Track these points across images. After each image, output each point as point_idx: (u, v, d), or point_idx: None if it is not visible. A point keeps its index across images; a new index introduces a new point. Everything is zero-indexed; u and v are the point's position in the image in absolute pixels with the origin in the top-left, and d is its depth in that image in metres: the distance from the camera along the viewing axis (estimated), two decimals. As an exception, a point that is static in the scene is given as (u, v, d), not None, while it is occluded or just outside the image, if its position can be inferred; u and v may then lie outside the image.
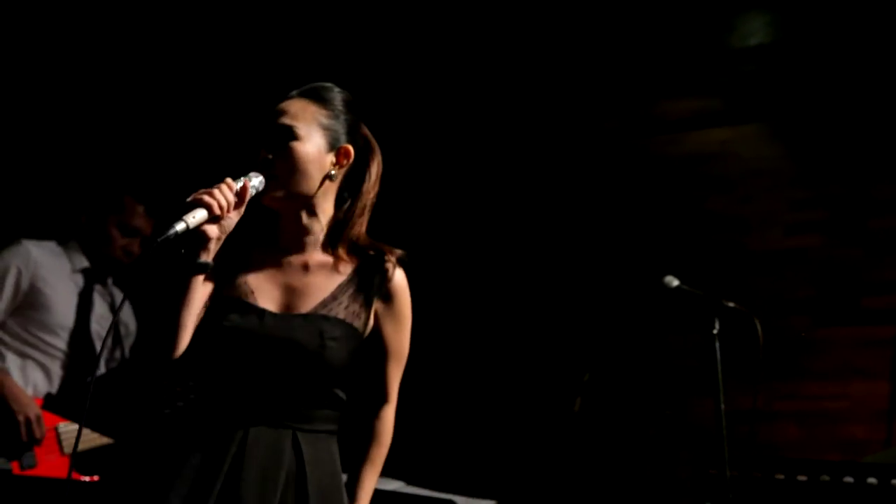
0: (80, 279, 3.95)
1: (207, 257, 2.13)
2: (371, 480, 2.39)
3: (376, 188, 2.41)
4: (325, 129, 2.31)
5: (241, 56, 5.17)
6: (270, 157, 2.25)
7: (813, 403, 4.70)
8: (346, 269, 2.33)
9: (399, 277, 2.38)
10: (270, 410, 2.20)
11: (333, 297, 2.29)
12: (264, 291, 2.27)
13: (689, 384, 4.82)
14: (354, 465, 2.38)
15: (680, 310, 4.12)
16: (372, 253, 2.36)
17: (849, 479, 3.38)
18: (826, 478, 3.41)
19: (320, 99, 2.34)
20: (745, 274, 4.97)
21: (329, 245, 2.34)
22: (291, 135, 2.27)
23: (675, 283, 3.70)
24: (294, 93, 2.35)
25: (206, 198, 2.09)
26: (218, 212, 2.10)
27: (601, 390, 4.83)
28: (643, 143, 5.39)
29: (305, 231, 2.32)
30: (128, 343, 4.07)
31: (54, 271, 3.88)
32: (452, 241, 5.57)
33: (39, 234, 4.01)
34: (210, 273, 2.18)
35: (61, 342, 3.84)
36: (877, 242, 4.77)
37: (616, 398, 5.03)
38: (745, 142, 5.20)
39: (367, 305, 2.32)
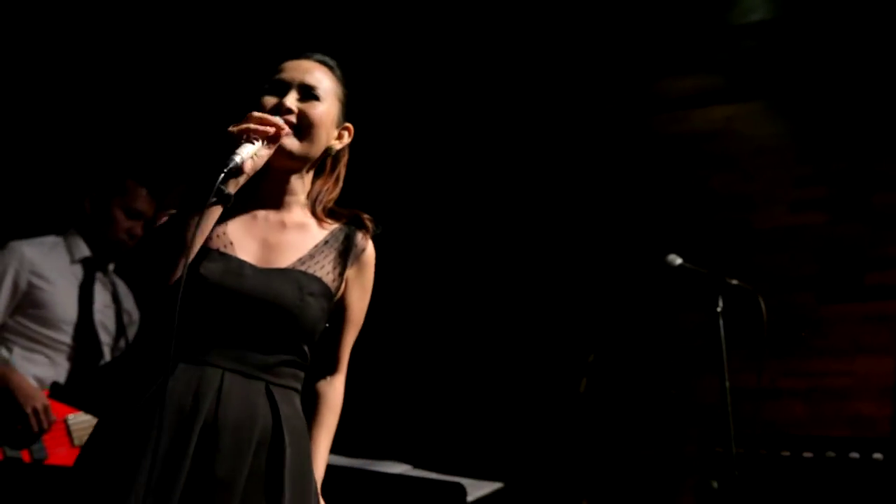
0: (79, 270, 3.94)
1: (234, 190, 2.12)
2: (326, 446, 2.39)
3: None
4: (339, 102, 2.36)
5: (238, 42, 5.17)
6: (292, 108, 2.25)
7: (818, 380, 4.70)
8: (323, 231, 2.34)
9: (370, 248, 2.41)
10: (245, 361, 2.17)
11: (311, 255, 2.30)
12: (243, 244, 2.26)
13: (695, 363, 4.82)
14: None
15: (684, 288, 4.12)
16: (346, 219, 2.39)
17: (854, 455, 3.38)
18: (832, 454, 3.42)
19: (335, 73, 2.37)
20: (749, 251, 4.96)
21: (307, 207, 2.36)
22: (315, 94, 2.29)
23: (679, 261, 3.69)
24: (314, 57, 2.37)
25: (254, 132, 2.11)
26: (261, 144, 2.13)
27: (606, 371, 4.84)
28: (646, 122, 5.38)
29: (289, 191, 2.33)
30: (131, 331, 4.07)
31: (51, 267, 3.87)
32: (459, 222, 5.58)
33: (40, 221, 4.01)
34: None
35: (65, 336, 3.84)
36: (880, 218, 4.76)
37: (621, 378, 5.04)
38: (748, 119, 5.19)
39: (342, 269, 2.34)
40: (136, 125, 5.29)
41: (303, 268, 2.27)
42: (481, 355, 5.37)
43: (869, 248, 4.77)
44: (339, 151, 2.41)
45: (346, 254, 2.35)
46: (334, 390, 2.43)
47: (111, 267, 4.07)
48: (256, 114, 2.16)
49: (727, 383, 3.45)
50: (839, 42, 4.93)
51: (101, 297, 3.99)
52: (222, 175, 2.03)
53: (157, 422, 2.07)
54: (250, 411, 2.15)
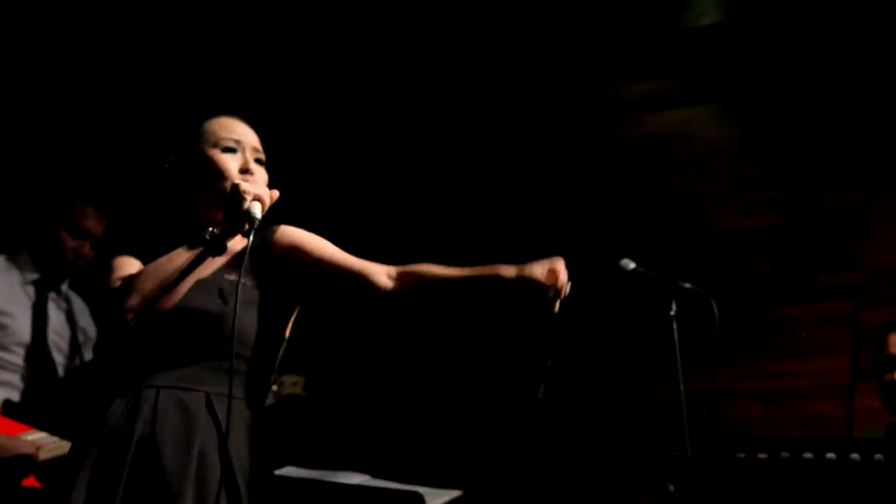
0: (31, 291, 3.90)
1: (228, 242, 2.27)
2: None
3: None
4: None
5: (192, 58, 5.16)
6: (254, 173, 2.39)
7: (775, 381, 4.73)
8: (235, 246, 2.37)
9: (281, 227, 2.47)
10: (182, 377, 2.25)
11: (227, 264, 2.36)
12: None
13: (652, 366, 4.83)
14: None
15: (638, 292, 4.13)
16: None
17: (808, 455, 3.39)
18: (786, 454, 3.43)
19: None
20: (704, 254, 4.99)
21: None
22: (262, 160, 2.46)
23: (632, 265, 3.69)
24: (243, 119, 2.50)
25: (265, 199, 2.25)
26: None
27: (564, 376, 4.84)
28: (600, 126, 5.40)
29: None
30: (87, 349, 4.03)
31: (4, 288, 3.83)
32: (414, 227, 5.56)
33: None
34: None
35: (18, 358, 3.79)
36: (834, 219, 4.80)
37: (579, 383, 5.04)
38: (702, 122, 5.22)
39: (259, 266, 2.38)
40: (84, 145, 5.24)
41: (223, 275, 2.34)
42: (438, 363, 5.36)
43: (823, 248, 4.81)
44: None
45: (257, 250, 2.36)
46: (395, 269, 2.48)
47: (65, 286, 4.02)
48: (260, 182, 2.35)
49: (682, 387, 3.46)
50: (791, 44, 4.98)
51: (55, 317, 3.94)
52: (252, 234, 2.20)
53: (95, 450, 2.18)
54: (189, 422, 2.20)
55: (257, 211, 2.21)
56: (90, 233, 3.93)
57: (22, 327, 3.83)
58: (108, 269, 2.35)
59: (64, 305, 4.01)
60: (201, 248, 2.25)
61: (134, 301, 2.18)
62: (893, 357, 3.85)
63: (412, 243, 5.52)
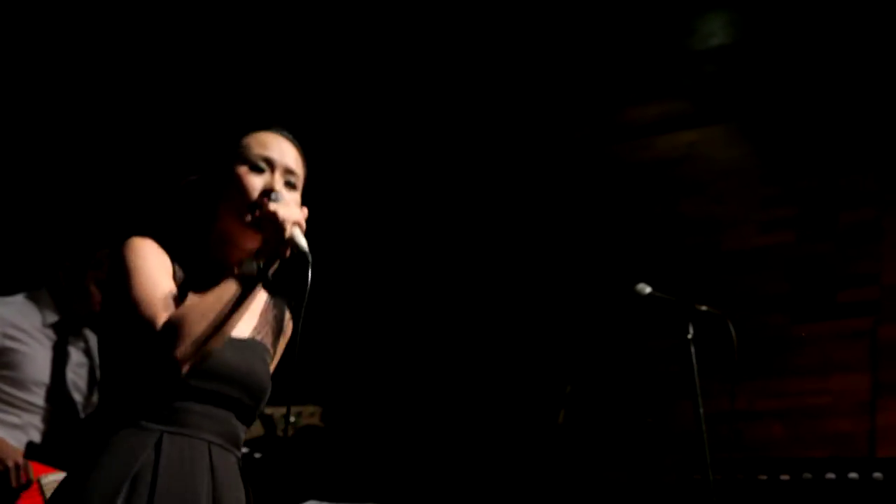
0: (52, 332, 3.91)
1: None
2: None
3: None
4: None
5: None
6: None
7: (795, 400, 4.71)
8: (261, 297, 2.26)
9: (291, 323, 2.41)
10: (222, 434, 2.14)
11: (261, 324, 2.29)
12: None
13: (671, 389, 4.82)
14: None
15: (655, 316, 4.13)
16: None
17: (831, 476, 3.39)
18: (808, 475, 3.42)
19: (302, 156, 2.28)
20: (720, 274, 4.98)
21: None
22: (294, 183, 2.23)
23: (648, 290, 3.69)
24: (288, 135, 2.28)
25: (302, 223, 2.07)
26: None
27: (584, 401, 4.83)
28: (612, 150, 5.41)
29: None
30: (104, 385, 4.03)
31: (25, 328, 3.82)
32: (430, 255, 5.58)
33: (9, 284, 3.97)
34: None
35: (38, 398, 3.79)
36: (849, 235, 4.79)
37: (599, 408, 5.03)
38: (713, 143, 5.22)
39: (276, 338, 2.34)
40: (112, 194, 5.27)
41: (258, 338, 2.25)
42: (458, 390, 5.36)
43: (840, 266, 4.79)
44: None
45: (278, 326, 2.34)
46: None
47: (85, 330, 4.03)
48: (291, 203, 2.12)
49: (701, 410, 3.45)
50: (799, 62, 4.97)
51: (74, 356, 3.93)
52: (309, 268, 2.01)
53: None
54: (237, 491, 2.15)
55: (303, 240, 2.03)
56: None
57: (41, 367, 3.82)
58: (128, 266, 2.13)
59: (82, 345, 4.02)
60: (249, 285, 2.05)
61: (188, 349, 1.99)
62: None
63: (426, 271, 5.57)
